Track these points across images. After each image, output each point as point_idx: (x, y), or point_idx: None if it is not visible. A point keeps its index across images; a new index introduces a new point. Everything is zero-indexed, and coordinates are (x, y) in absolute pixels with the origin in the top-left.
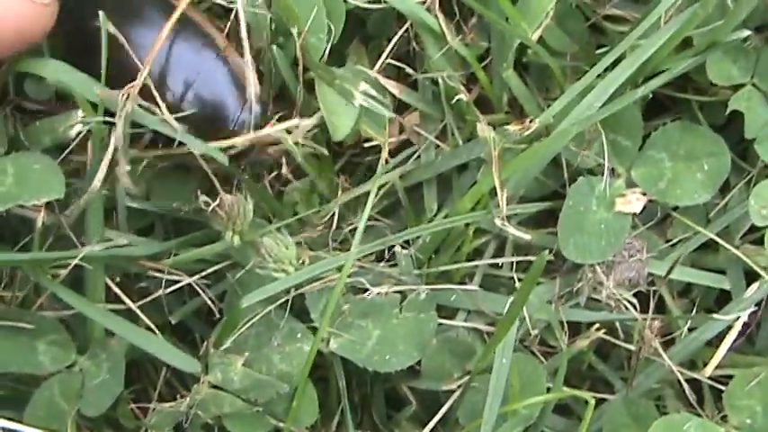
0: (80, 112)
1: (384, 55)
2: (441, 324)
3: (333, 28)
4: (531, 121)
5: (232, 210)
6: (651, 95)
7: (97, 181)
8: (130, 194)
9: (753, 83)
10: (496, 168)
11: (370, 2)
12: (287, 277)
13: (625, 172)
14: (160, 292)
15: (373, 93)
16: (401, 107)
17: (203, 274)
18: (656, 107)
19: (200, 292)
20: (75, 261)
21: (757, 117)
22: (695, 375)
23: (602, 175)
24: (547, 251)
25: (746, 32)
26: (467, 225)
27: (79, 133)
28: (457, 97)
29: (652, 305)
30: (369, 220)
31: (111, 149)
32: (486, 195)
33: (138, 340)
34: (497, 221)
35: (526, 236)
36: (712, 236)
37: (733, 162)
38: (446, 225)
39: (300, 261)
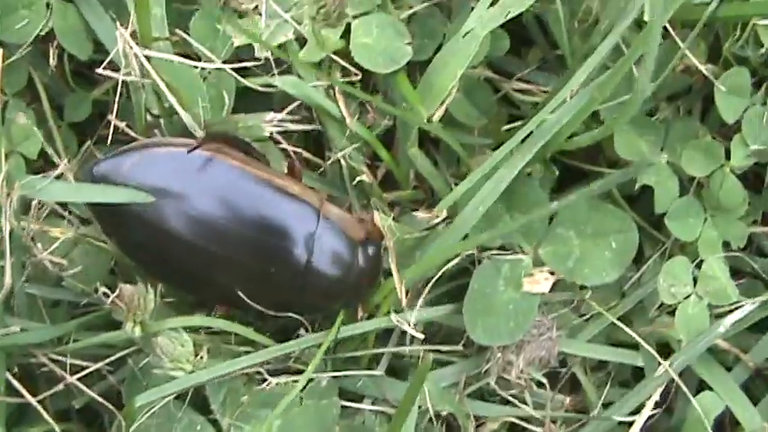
0: None
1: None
2: (347, 407)
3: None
4: (427, 208)
5: (132, 301)
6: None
7: None
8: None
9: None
10: (394, 262)
11: (263, 85)
12: (182, 378)
13: (533, 250)
14: (61, 383)
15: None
16: None
17: (108, 360)
18: (571, 176)
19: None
20: None
21: (667, 192)
22: None
23: (510, 253)
24: (430, 362)
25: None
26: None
27: None
28: (358, 178)
29: (551, 395)
30: None
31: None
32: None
33: None
34: (394, 319)
35: (420, 335)
36: (614, 320)
37: (647, 233)
38: (347, 333)
39: (199, 356)
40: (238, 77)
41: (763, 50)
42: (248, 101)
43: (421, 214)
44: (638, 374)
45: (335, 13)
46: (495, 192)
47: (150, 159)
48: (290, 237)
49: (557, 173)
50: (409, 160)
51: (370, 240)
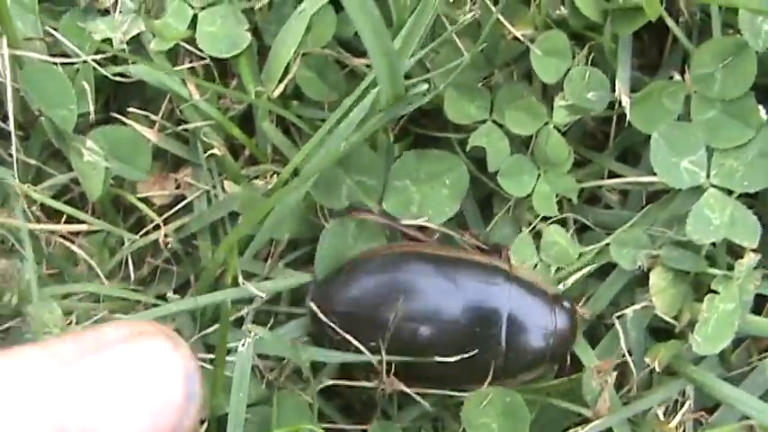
0: None
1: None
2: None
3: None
4: (272, 176)
5: (5, 275)
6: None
7: None
8: None
9: (492, 119)
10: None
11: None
12: None
13: (377, 205)
14: None
15: (95, 148)
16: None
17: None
18: (425, 142)
19: None
20: None
21: (498, 152)
22: (433, 391)
23: None
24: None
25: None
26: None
27: None
28: (210, 151)
29: None
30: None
31: None
32: (235, 246)
33: None
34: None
35: (261, 294)
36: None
37: (494, 191)
38: (204, 302)
39: (68, 322)
40: (98, 67)
41: (563, 11)
42: (123, 93)
43: (258, 182)
44: None
45: (154, 8)
46: (329, 156)
47: (356, 269)
48: (489, 300)
49: (391, 139)
50: (265, 135)
51: (563, 293)
